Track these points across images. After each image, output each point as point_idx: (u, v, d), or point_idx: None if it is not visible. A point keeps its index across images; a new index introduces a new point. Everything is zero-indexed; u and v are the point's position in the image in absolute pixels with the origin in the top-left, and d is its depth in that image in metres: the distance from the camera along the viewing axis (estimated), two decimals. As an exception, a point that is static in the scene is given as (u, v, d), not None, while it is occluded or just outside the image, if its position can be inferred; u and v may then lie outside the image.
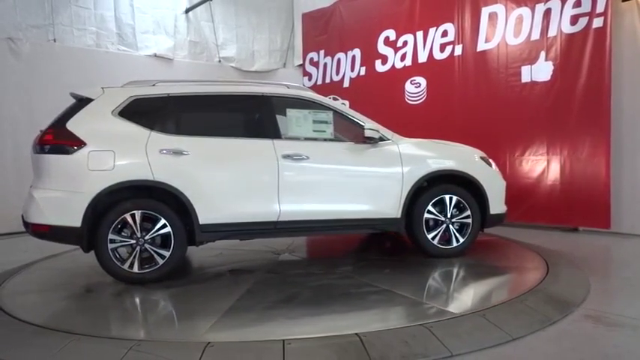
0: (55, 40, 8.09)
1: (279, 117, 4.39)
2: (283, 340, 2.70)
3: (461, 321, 3.01)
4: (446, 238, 4.63)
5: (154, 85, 4.33)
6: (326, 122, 4.45)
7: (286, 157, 4.19)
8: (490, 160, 4.93)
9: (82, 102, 4.12)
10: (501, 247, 5.27)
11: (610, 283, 4.24)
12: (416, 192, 4.50)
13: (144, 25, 9.14)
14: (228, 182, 4.12)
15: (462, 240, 4.63)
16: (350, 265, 4.62)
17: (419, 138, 4.86)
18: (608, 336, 2.95)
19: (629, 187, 6.03)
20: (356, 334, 2.76)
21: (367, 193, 4.42)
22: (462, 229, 4.66)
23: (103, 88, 4.22)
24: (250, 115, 4.52)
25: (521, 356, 2.70)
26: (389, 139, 4.53)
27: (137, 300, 3.80)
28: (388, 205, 4.44)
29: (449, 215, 4.60)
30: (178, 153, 4.00)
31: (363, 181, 4.43)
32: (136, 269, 3.95)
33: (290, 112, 4.41)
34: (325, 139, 4.44)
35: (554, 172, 6.39)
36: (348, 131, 4.54)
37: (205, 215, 4.02)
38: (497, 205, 4.76)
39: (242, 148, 4.23)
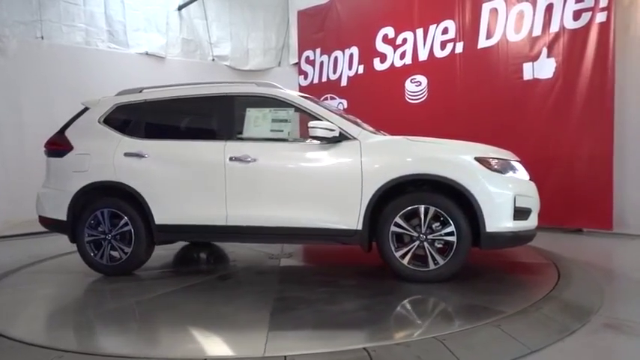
0: (42, 38, 7.87)
1: (244, 117, 4.26)
2: (285, 357, 2.50)
3: (475, 332, 2.80)
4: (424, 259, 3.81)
5: (140, 91, 4.60)
6: (285, 121, 4.11)
7: (233, 159, 4.06)
8: (512, 163, 3.92)
9: (83, 110, 4.65)
10: (507, 250, 5.07)
11: (623, 288, 4.06)
12: (384, 200, 3.84)
13: (135, 23, 8.92)
14: (180, 184, 4.19)
15: (441, 262, 3.73)
16: (321, 278, 4.19)
17: (413, 136, 4.06)
18: (631, 346, 2.77)
19: (634, 187, 5.88)
20: (364, 348, 2.55)
21: (318, 200, 3.92)
22: (446, 247, 3.78)
23: (101, 98, 4.68)
24: (211, 117, 4.48)
25: (541, 371, 2.52)
26: (353, 138, 3.94)
27: (123, 310, 3.57)
28: (343, 214, 3.86)
29: (423, 230, 3.77)
30: (139, 156, 4.27)
31: (312, 186, 3.94)
32: (104, 261, 4.35)
33: (249, 111, 4.21)
34: (281, 139, 4.11)
35: (557, 172, 6.22)
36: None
37: (160, 216, 4.22)
38: (499, 220, 3.67)
39: (195, 150, 4.25)
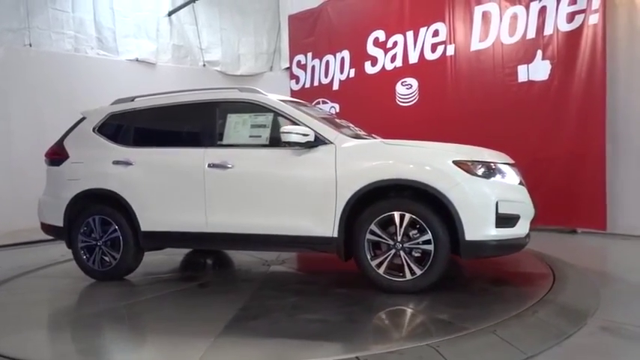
0: (31, 45, 7.79)
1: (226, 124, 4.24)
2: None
3: (470, 338, 2.75)
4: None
5: (132, 100, 4.66)
6: (264, 126, 4.05)
7: (212, 166, 4.04)
8: (499, 165, 3.67)
9: (81, 120, 4.77)
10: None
11: (619, 290, 4.01)
12: (360, 206, 3.66)
13: (125, 29, 8.86)
14: (164, 191, 4.24)
15: (418, 272, 3.51)
16: (296, 287, 4.09)
17: (405, 140, 3.87)
18: (629, 350, 2.73)
19: (629, 187, 5.86)
20: (356, 357, 2.50)
21: (293, 206, 3.82)
22: (424, 256, 3.54)
23: (98, 107, 4.78)
24: (194, 124, 4.47)
25: (538, 377, 2.47)
26: (330, 142, 3.80)
27: (116, 322, 3.52)
28: (318, 221, 3.72)
29: (399, 238, 3.56)
30: (126, 164, 4.34)
31: (287, 192, 3.84)
32: (96, 267, 4.45)
33: (230, 117, 4.19)
34: (260, 145, 4.04)
35: (551, 173, 6.19)
36: None
37: (146, 222, 4.26)
38: (479, 227, 3.43)
39: (177, 157, 4.28)
